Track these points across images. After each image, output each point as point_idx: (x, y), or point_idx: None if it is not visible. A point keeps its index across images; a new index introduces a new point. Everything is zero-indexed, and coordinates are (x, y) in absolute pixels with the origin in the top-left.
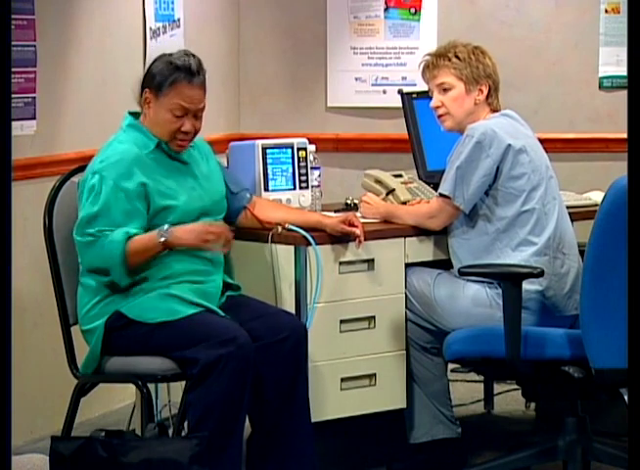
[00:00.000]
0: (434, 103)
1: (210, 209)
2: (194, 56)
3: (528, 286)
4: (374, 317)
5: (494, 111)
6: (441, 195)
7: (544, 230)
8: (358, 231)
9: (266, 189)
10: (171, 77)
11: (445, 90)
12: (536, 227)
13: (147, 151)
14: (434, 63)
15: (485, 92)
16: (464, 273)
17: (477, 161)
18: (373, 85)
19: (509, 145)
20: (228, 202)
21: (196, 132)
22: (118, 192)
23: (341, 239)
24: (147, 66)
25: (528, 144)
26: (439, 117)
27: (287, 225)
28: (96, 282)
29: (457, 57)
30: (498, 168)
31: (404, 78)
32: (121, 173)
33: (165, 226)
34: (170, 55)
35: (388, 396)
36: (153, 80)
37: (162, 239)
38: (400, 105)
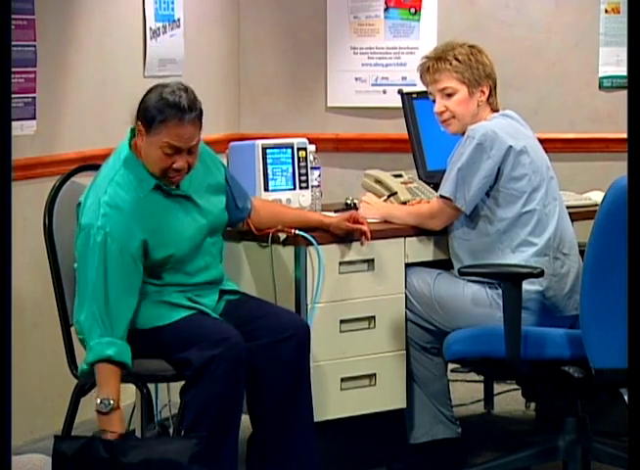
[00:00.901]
0: (437, 108)
1: (211, 230)
2: (186, 90)
3: (529, 286)
4: (374, 317)
5: (494, 110)
6: (442, 196)
7: (544, 231)
8: (365, 227)
9: (266, 189)
10: (161, 116)
11: (449, 95)
12: (537, 228)
13: (145, 193)
14: (435, 66)
15: (487, 92)
16: (464, 273)
17: (478, 162)
18: (373, 85)
19: (510, 146)
20: (230, 212)
21: (189, 167)
22: (124, 256)
23: (341, 239)
24: (145, 93)
25: (529, 145)
26: (444, 121)
27: (294, 231)
28: None
29: (457, 59)
30: (499, 169)
31: (404, 78)
32: (125, 233)
33: (110, 403)
34: (165, 87)
35: (388, 396)
36: (145, 114)
37: (96, 409)
38: (400, 105)
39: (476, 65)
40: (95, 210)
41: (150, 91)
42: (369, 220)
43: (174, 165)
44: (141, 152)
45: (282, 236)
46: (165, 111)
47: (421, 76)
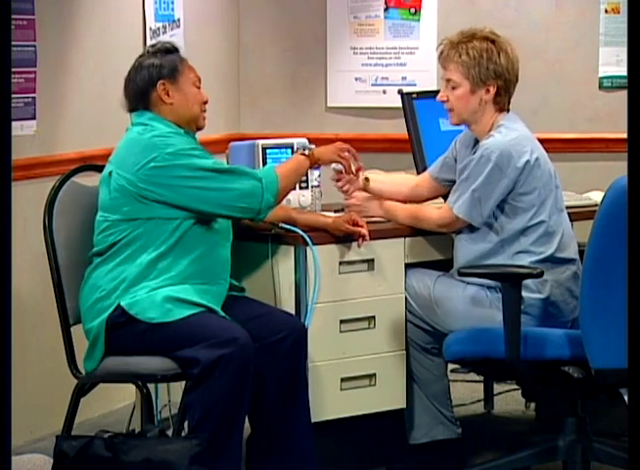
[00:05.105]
0: (440, 96)
1: None
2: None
3: (530, 294)
4: (374, 317)
5: (502, 110)
6: (457, 216)
7: (547, 243)
8: (364, 230)
9: None
10: (177, 57)
11: (453, 87)
12: (540, 239)
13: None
14: (447, 54)
15: (493, 92)
16: (463, 274)
17: (494, 183)
18: (373, 85)
19: (526, 162)
20: None
21: None
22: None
23: (342, 239)
24: (134, 72)
25: (541, 154)
26: (448, 110)
27: (280, 224)
28: (107, 275)
29: (468, 54)
30: (514, 185)
31: (404, 78)
32: (195, 146)
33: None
34: (152, 49)
35: (387, 396)
36: (162, 70)
37: (307, 151)
38: (400, 105)
39: (486, 63)
40: (151, 147)
41: (144, 60)
42: (370, 220)
43: (204, 98)
44: (168, 112)
45: (276, 227)
46: (176, 53)
47: (438, 56)
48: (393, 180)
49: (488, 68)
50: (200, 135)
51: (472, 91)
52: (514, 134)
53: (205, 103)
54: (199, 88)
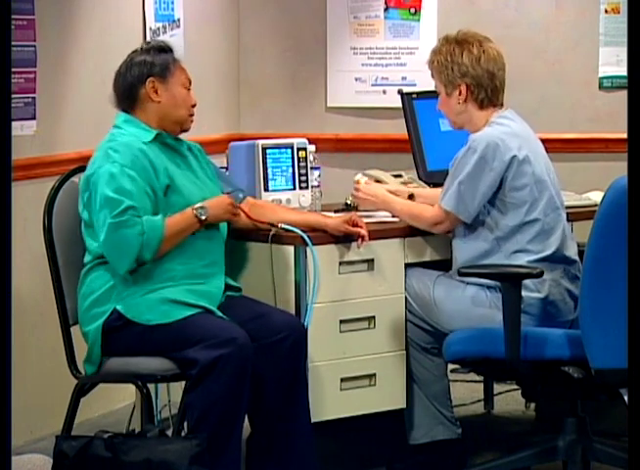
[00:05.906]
0: (437, 105)
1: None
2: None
3: (529, 293)
4: (374, 317)
5: (484, 106)
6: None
7: (545, 241)
8: (363, 231)
9: (266, 189)
10: (170, 57)
11: (438, 94)
12: (537, 237)
13: (149, 139)
14: (429, 64)
15: (464, 92)
16: (463, 273)
17: (479, 175)
18: (373, 85)
19: (513, 156)
20: None
21: None
22: (138, 179)
23: (341, 239)
24: (125, 67)
25: (532, 153)
26: None
27: (279, 225)
28: (99, 280)
29: (438, 61)
30: (502, 178)
31: (404, 78)
32: (140, 165)
33: (198, 204)
34: (146, 47)
35: (387, 396)
36: (153, 68)
37: (203, 217)
38: (400, 105)
39: (451, 65)
40: (102, 156)
41: (136, 56)
42: (370, 220)
43: (192, 101)
44: (150, 112)
45: (275, 228)
46: (169, 53)
47: None
48: None
49: (453, 69)
50: (200, 135)
51: (448, 94)
52: (503, 129)
53: (194, 106)
54: (188, 90)
